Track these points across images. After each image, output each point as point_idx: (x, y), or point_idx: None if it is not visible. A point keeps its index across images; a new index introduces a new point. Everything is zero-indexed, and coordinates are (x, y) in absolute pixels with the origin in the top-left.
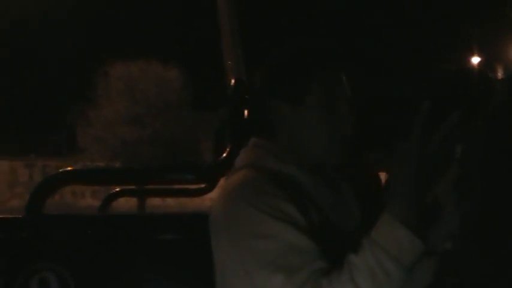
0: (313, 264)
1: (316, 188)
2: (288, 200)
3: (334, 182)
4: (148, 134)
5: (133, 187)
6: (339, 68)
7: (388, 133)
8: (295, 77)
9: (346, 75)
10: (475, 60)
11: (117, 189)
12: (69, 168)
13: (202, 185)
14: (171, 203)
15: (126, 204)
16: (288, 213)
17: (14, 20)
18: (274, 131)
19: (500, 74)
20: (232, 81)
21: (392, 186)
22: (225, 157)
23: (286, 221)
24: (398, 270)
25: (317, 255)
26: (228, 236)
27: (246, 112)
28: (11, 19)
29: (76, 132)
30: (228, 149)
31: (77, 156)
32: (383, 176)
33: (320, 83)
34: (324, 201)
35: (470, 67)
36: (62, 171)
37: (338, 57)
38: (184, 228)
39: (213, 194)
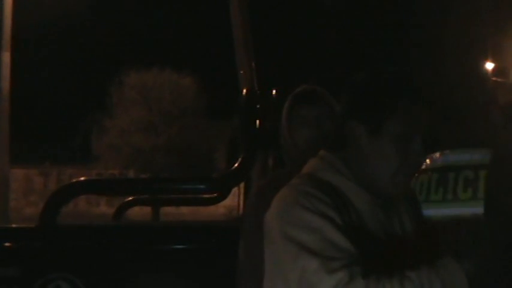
0: (348, 259)
1: (369, 206)
2: (333, 207)
3: (392, 203)
4: (163, 142)
5: (146, 196)
6: (423, 102)
7: None
8: (377, 105)
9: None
10: (489, 66)
11: (131, 198)
12: (82, 179)
13: (215, 194)
14: (185, 211)
15: (140, 212)
16: (330, 216)
17: (30, 30)
18: (344, 147)
19: None
20: (244, 91)
21: (474, 239)
22: (237, 166)
23: (329, 222)
24: None
25: (352, 254)
26: (278, 229)
27: (258, 122)
28: (27, 29)
29: (91, 140)
30: (240, 159)
31: (91, 164)
32: None
33: (399, 116)
34: (373, 219)
35: None
36: (75, 182)
37: (420, 90)
38: (198, 238)
39: (226, 202)
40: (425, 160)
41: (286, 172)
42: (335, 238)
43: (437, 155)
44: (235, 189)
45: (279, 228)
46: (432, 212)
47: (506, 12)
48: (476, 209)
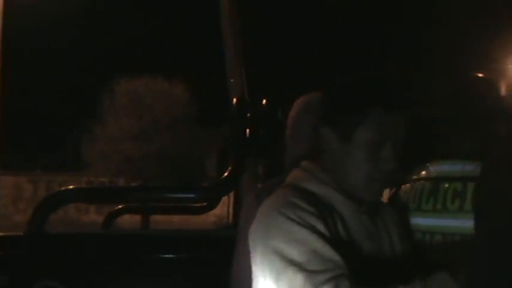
0: (334, 270)
1: (354, 214)
2: (318, 216)
3: (378, 209)
4: (153, 150)
5: (136, 204)
6: (398, 111)
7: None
8: (347, 112)
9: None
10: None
11: (121, 206)
12: (71, 187)
13: (205, 203)
14: (175, 219)
15: (130, 220)
16: (315, 227)
17: (20, 37)
18: (320, 155)
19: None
20: (234, 99)
21: (471, 269)
22: (227, 176)
23: (314, 232)
24: None
25: (341, 264)
26: (263, 241)
27: (248, 130)
28: (17, 36)
29: (81, 148)
30: (230, 167)
31: (81, 172)
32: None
33: (371, 124)
34: (360, 227)
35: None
36: (64, 189)
37: (396, 97)
38: (188, 246)
39: (217, 210)
40: (395, 165)
41: (279, 181)
42: (320, 249)
43: (432, 164)
44: (225, 198)
45: (263, 241)
46: (422, 221)
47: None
48: (463, 221)
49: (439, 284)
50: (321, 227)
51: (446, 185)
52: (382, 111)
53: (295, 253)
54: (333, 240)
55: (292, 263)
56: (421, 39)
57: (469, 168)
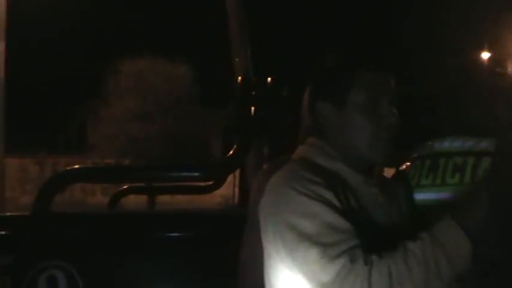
0: (349, 241)
1: (364, 186)
2: (327, 187)
3: (386, 183)
4: (158, 131)
5: (141, 184)
6: (381, 69)
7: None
8: (336, 80)
9: (393, 74)
10: (485, 55)
11: (126, 187)
12: (76, 166)
13: (211, 182)
14: (181, 200)
15: (135, 201)
16: (326, 198)
17: (25, 20)
18: (322, 131)
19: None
20: (239, 78)
21: (469, 196)
22: (232, 154)
23: (324, 203)
24: (450, 271)
25: (354, 234)
26: (274, 216)
27: (253, 109)
28: (22, 18)
29: (86, 129)
30: (235, 146)
31: (87, 153)
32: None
33: (360, 85)
34: (370, 199)
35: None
36: (69, 169)
37: (382, 58)
38: (193, 226)
39: (222, 191)
40: (397, 120)
41: (288, 158)
42: (333, 220)
43: (432, 142)
44: (230, 179)
45: (274, 216)
46: (422, 196)
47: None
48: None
49: (449, 236)
50: (332, 198)
51: (445, 160)
52: (367, 71)
53: (307, 226)
54: (344, 211)
55: (305, 236)
56: (426, 16)
57: (469, 144)
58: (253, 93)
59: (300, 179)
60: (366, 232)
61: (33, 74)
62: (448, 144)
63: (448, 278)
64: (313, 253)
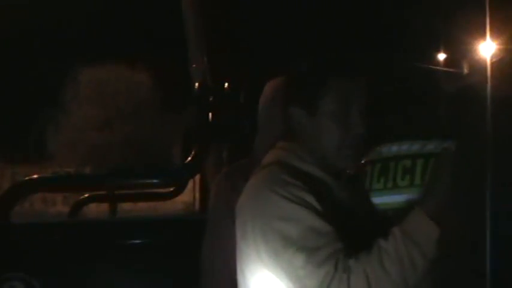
0: (332, 245)
1: (334, 186)
2: (308, 191)
3: (350, 181)
4: (118, 138)
5: (103, 192)
6: (352, 76)
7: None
8: (308, 87)
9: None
10: (441, 56)
11: (86, 195)
12: (35, 176)
13: (172, 188)
14: (142, 207)
15: (96, 209)
16: (307, 201)
17: None
18: (294, 135)
19: (466, 71)
20: (197, 84)
21: (431, 184)
22: (191, 160)
23: (307, 207)
24: (424, 262)
25: (335, 237)
26: (253, 221)
27: (210, 115)
28: None
29: (45, 138)
30: (193, 152)
31: (46, 162)
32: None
33: (332, 93)
34: (342, 201)
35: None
36: (29, 179)
37: (353, 65)
38: (154, 233)
39: (183, 197)
40: (364, 129)
41: (249, 162)
42: (316, 224)
43: (381, 146)
44: (191, 185)
45: (255, 220)
46: (376, 200)
47: (457, 2)
48: (413, 196)
49: (413, 222)
50: (313, 201)
51: (395, 164)
52: (339, 79)
53: (291, 230)
54: (325, 214)
55: (290, 241)
56: (382, 18)
57: (416, 147)
58: (211, 98)
59: (281, 183)
60: (343, 233)
61: None
62: (396, 148)
63: (422, 267)
64: (299, 259)
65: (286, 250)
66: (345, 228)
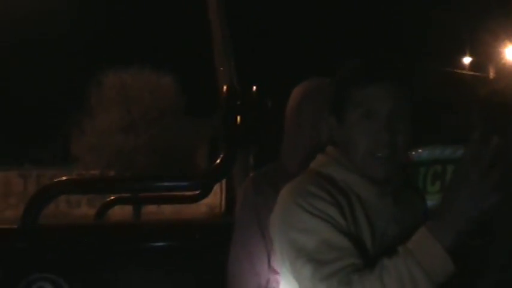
0: (343, 260)
1: (376, 197)
2: (332, 203)
3: (402, 192)
4: (143, 142)
5: (128, 195)
6: (376, 84)
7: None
8: (336, 96)
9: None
10: (467, 60)
11: (112, 198)
12: (63, 178)
13: (197, 192)
14: (167, 210)
15: (121, 211)
16: (328, 214)
17: (8, 30)
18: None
19: (491, 75)
20: (225, 87)
21: (442, 206)
22: (218, 163)
23: (325, 221)
24: (427, 283)
25: (349, 253)
26: (279, 230)
27: (238, 119)
28: (4, 30)
29: (70, 141)
30: (222, 156)
31: (71, 165)
32: None
33: (353, 102)
34: (384, 210)
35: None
36: (56, 181)
37: (379, 73)
38: (181, 236)
39: (208, 201)
40: (391, 135)
41: (275, 167)
42: (331, 237)
43: (412, 151)
44: (216, 188)
45: (279, 230)
46: None
47: (483, 6)
48: None
49: (421, 245)
50: (335, 214)
51: (425, 169)
52: (363, 87)
53: (306, 242)
54: (347, 228)
55: (303, 252)
56: (411, 22)
57: (448, 152)
58: (238, 102)
59: (305, 195)
60: (374, 246)
61: (17, 86)
62: (427, 153)
63: (426, 286)
64: (307, 270)
65: (297, 260)
66: (376, 241)
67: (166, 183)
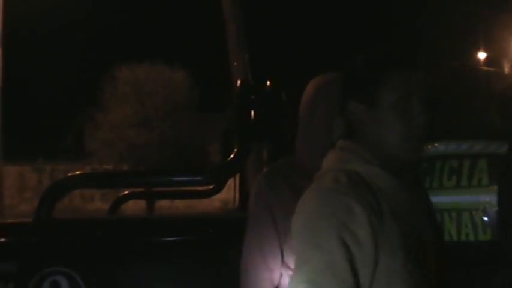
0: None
1: (397, 189)
2: (366, 218)
3: (414, 185)
4: (156, 137)
5: (141, 190)
6: (412, 67)
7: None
8: (367, 80)
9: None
10: (481, 55)
11: (126, 192)
12: (77, 172)
13: (211, 187)
14: (180, 205)
15: (135, 206)
16: (352, 232)
17: (22, 26)
18: (354, 132)
19: (506, 70)
20: (238, 82)
21: None
22: (232, 158)
23: (346, 247)
24: None
25: (348, 284)
26: (296, 234)
27: (252, 113)
28: (19, 25)
29: (84, 136)
30: (235, 150)
31: (85, 160)
32: None
33: (390, 85)
34: (403, 202)
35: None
36: (70, 175)
37: (413, 57)
38: (195, 231)
39: (222, 196)
40: (427, 119)
41: (289, 162)
42: (340, 266)
43: (428, 145)
44: (230, 183)
45: (296, 234)
46: None
47: (498, 1)
48: (459, 197)
49: None
50: (357, 229)
51: (441, 164)
52: (398, 70)
53: (311, 259)
54: (375, 234)
55: (305, 269)
56: (422, 18)
57: (464, 147)
58: (252, 97)
59: (331, 204)
60: (402, 238)
61: (31, 81)
62: (443, 148)
63: None
64: (301, 285)
65: (298, 272)
66: (402, 234)
67: (179, 178)
